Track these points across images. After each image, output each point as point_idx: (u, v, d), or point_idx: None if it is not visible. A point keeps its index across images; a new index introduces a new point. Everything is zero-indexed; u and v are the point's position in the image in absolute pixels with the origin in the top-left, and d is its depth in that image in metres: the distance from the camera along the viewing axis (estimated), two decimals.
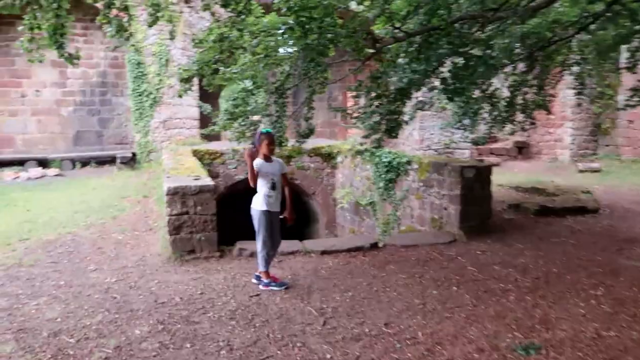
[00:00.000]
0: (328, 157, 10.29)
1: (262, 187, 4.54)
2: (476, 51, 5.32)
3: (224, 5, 4.74)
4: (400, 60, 5.58)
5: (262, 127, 5.97)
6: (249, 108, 6.21)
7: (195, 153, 9.52)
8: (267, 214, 4.52)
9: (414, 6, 4.94)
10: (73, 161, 12.12)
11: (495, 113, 8.88)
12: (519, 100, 8.80)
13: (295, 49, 5.91)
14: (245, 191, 9.51)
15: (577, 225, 6.94)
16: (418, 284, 4.66)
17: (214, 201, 5.23)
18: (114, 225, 6.48)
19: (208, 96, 11.43)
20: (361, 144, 6.73)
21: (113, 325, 3.55)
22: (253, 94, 6.00)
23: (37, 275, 4.63)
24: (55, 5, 3.82)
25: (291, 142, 6.67)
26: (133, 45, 11.15)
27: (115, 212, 7.09)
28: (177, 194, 5.11)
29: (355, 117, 6.02)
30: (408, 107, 6.37)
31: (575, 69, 9.00)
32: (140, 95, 11.56)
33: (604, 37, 8.34)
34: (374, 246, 5.81)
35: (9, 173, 10.69)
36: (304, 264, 5.24)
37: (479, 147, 15.08)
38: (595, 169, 12.59)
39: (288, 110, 6.54)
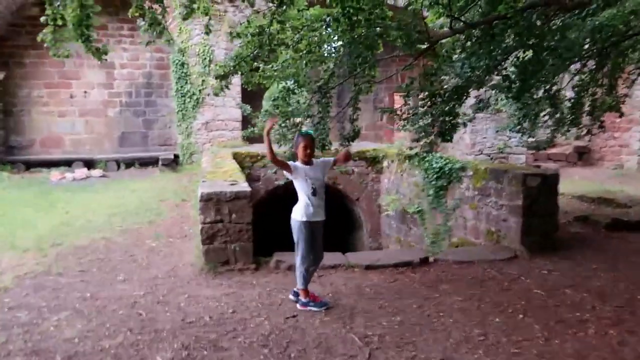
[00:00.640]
0: (373, 161, 9.76)
1: (301, 194, 4.09)
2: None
3: None
4: (457, 56, 5.01)
5: (304, 129, 5.56)
6: (290, 109, 5.81)
7: (236, 156, 9.23)
8: (308, 225, 4.07)
9: None
10: (118, 162, 12.17)
11: (558, 115, 8.13)
12: (587, 101, 8.01)
13: (341, 43, 5.45)
14: (286, 195, 9.15)
15: None
16: (477, 309, 4.07)
17: (250, 208, 4.84)
18: (149, 231, 6.22)
19: (251, 97, 11.18)
20: (410, 148, 6.18)
21: (133, 349, 3.19)
22: (294, 94, 5.58)
23: (63, 286, 4.38)
24: None
25: (335, 145, 6.21)
26: (168, 41, 11.02)
27: (151, 217, 6.86)
28: (211, 201, 4.75)
29: (405, 119, 5.49)
30: (464, 108, 5.78)
31: None
32: (183, 96, 11.44)
33: None
34: (424, 261, 5.25)
35: (55, 174, 10.79)
36: (347, 280, 4.75)
37: (535, 152, 14.15)
38: None
39: (332, 112, 6.10)
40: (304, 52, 5.38)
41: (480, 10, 4.55)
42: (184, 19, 4.39)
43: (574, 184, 10.69)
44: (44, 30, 3.77)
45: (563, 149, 14.86)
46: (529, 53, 4.57)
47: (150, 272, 4.84)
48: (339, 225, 11.66)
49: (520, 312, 3.98)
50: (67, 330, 3.45)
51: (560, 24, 4.83)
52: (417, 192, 8.18)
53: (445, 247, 7.31)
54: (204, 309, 3.94)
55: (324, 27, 5.07)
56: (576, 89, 7.99)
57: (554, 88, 7.79)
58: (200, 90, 11.45)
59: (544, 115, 7.93)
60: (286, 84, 5.67)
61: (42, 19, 3.70)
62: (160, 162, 11.17)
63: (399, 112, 5.57)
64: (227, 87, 5.08)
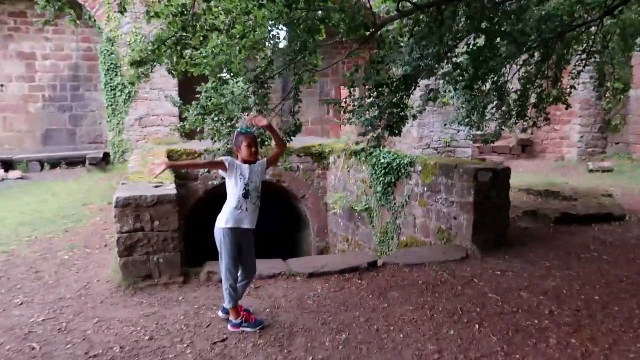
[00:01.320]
0: (319, 157, 9.30)
1: (231, 196, 3.54)
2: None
3: None
4: (405, 42, 4.61)
5: (241, 125, 5.00)
6: (223, 101, 5.23)
7: (171, 154, 8.53)
8: (232, 234, 3.51)
9: None
10: (42, 162, 11.09)
11: (505, 108, 7.98)
12: (533, 93, 7.90)
13: (279, 28, 4.94)
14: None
15: (606, 235, 6.00)
16: (429, 319, 3.69)
17: (176, 214, 4.24)
18: (63, 241, 5.46)
19: (192, 89, 10.43)
20: (357, 143, 5.76)
21: None
22: (227, 84, 5.00)
23: None
24: None
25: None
26: (100, 30, 10.10)
27: (69, 224, 6.07)
28: (128, 206, 4.11)
29: (350, 112, 5.05)
30: (413, 100, 5.41)
31: (592, 59, 8.15)
32: (113, 90, 10.54)
33: (632, 22, 7.42)
34: (373, 266, 4.84)
35: None
36: (287, 291, 4.25)
37: (481, 145, 14.22)
38: (607, 169, 11.70)
39: (273, 104, 5.57)
40: (238, 37, 4.82)
41: None
42: (121, 12, 3.73)
43: (519, 176, 10.69)
44: None
45: (507, 142, 15.04)
46: (481, 39, 4.23)
47: (57, 291, 4.13)
48: (284, 224, 11.16)
49: (476, 322, 3.63)
50: None
51: (515, 7, 4.52)
52: (365, 189, 7.80)
53: (394, 246, 6.98)
54: (116, 336, 3.32)
55: (258, 8, 4.51)
56: (522, 81, 7.86)
57: (502, 80, 7.64)
58: (132, 84, 10.54)
59: (492, 108, 7.76)
60: (216, 72, 5.09)
61: None
62: (87, 162, 10.21)
63: (343, 104, 5.11)
64: (145, 75, 4.44)
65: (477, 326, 3.56)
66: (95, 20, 10.52)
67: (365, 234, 7.96)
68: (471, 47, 4.23)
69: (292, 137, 5.51)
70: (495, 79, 7.35)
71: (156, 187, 4.64)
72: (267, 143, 5.65)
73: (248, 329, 3.46)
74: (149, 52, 4.17)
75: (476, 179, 5.22)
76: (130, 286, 4.15)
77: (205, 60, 4.82)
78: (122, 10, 4.10)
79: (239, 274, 3.60)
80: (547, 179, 10.51)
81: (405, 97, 4.79)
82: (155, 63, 4.36)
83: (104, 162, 10.53)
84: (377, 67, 4.69)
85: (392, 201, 7.02)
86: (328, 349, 3.20)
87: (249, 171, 3.57)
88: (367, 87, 4.91)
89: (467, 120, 7.66)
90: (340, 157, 8.69)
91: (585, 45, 7.74)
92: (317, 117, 14.19)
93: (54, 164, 11.13)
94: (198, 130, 5.50)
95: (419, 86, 4.84)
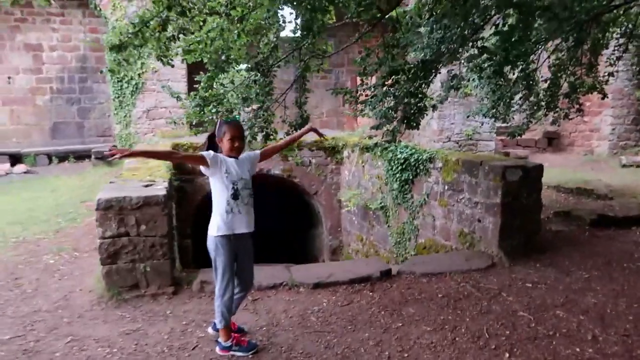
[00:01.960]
0: (332, 151, 8.78)
1: (219, 197, 3.05)
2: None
3: None
4: (424, 23, 4.05)
5: (234, 115, 4.53)
6: (222, 91, 4.76)
7: (176, 147, 8.12)
8: (226, 241, 3.04)
9: None
10: (49, 156, 10.83)
11: (533, 99, 7.34)
12: (564, 82, 7.24)
13: (281, 8, 4.43)
14: None
15: None
16: (450, 344, 3.17)
17: (164, 217, 3.78)
18: (52, 243, 5.08)
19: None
20: (370, 137, 5.22)
21: None
22: (226, 72, 4.52)
23: None
24: None
25: (280, 134, 5.20)
26: (106, 19, 9.71)
27: (62, 223, 5.70)
28: (111, 209, 3.67)
29: (362, 102, 4.52)
30: (433, 88, 4.85)
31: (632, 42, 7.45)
32: (120, 82, 10.16)
33: None
34: (386, 275, 4.32)
35: None
36: (289, 304, 3.77)
37: (504, 138, 13.51)
38: None
39: (279, 94, 5.08)
40: (237, 20, 4.33)
41: None
42: None
43: (547, 172, 9.97)
44: None
45: (532, 135, 14.27)
46: (512, 18, 3.65)
47: (33, 302, 3.73)
48: (296, 220, 10.70)
49: (505, 348, 3.10)
50: None
51: None
52: (380, 185, 7.27)
53: (412, 248, 6.44)
54: None
55: None
56: (553, 68, 7.21)
57: (531, 67, 7.00)
58: (139, 75, 10.18)
59: (520, 98, 7.13)
60: (216, 60, 4.61)
61: None
62: (92, 156, 9.88)
63: (354, 94, 4.58)
64: (127, 62, 3.98)
65: (506, 354, 3.02)
66: (100, 10, 10.13)
67: (381, 233, 7.44)
68: (501, 26, 3.65)
69: (296, 130, 5.02)
70: (524, 65, 6.74)
71: (146, 186, 4.20)
72: (272, 137, 5.18)
73: (239, 354, 2.99)
74: (130, 35, 3.69)
75: (504, 178, 4.64)
76: (113, 297, 3.72)
77: (200, 46, 4.35)
78: None
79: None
80: (576, 174, 9.80)
81: (423, 85, 4.24)
82: (138, 48, 3.87)
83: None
84: (391, 52, 4.15)
85: (409, 200, 6.47)
86: None
87: (235, 166, 3.08)
88: (380, 75, 4.37)
89: (492, 112, 7.06)
90: (354, 152, 8.15)
91: (624, 28, 7.05)
92: (332, 109, 13.63)
93: (62, 157, 10.86)
94: (196, 122, 5.06)
95: (439, 73, 4.28)
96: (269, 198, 10.53)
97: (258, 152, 3.29)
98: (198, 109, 4.89)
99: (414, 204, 6.36)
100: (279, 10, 4.54)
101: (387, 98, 4.44)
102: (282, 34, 5.16)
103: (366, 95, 4.64)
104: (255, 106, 4.84)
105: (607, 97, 6.95)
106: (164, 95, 10.40)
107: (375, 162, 7.36)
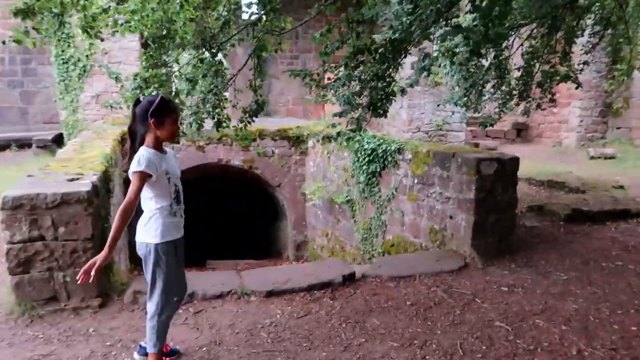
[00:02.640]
0: (297, 141, 8.27)
1: (158, 200, 2.52)
2: None
3: None
4: None
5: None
6: (163, 71, 4.18)
7: (125, 135, 7.44)
8: (172, 249, 2.56)
9: None
10: None
11: (505, 88, 7.02)
12: (538, 71, 6.95)
13: None
14: (195, 183, 7.41)
15: (626, 237, 5.09)
16: None
17: (88, 218, 3.21)
18: None
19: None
20: (334, 125, 4.75)
21: None
22: (166, 48, 3.94)
23: None
24: None
25: (233, 122, 4.67)
26: None
27: None
28: (21, 208, 3.07)
29: (324, 86, 4.02)
30: (402, 72, 4.39)
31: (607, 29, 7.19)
32: (65, 63, 9.30)
33: None
34: (350, 280, 3.87)
35: None
36: (236, 317, 3.28)
37: (474, 129, 13.31)
38: (609, 156, 10.86)
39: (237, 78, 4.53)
40: None
41: None
42: None
43: None
44: None
45: (501, 126, 14.10)
46: None
47: None
48: (259, 214, 10.17)
49: None
50: None
51: None
52: (347, 178, 6.82)
53: (379, 245, 6.03)
54: None
55: None
56: (526, 56, 6.90)
57: (504, 54, 6.66)
58: (87, 56, 9.35)
59: (492, 87, 6.79)
60: (157, 35, 4.02)
61: None
62: (34, 145, 9.06)
63: (315, 77, 4.07)
64: (37, 31, 3.36)
65: None
66: None
67: (347, 229, 7.01)
68: (479, 1, 3.20)
69: (252, 118, 4.50)
70: (497, 51, 6.38)
71: (72, 180, 3.60)
72: (224, 124, 4.64)
73: None
74: None
75: (478, 171, 4.24)
76: (25, 313, 3.14)
77: (136, 17, 3.75)
78: None
79: None
80: (546, 166, 9.61)
81: (392, 67, 3.77)
82: (58, 16, 3.26)
83: (57, 144, 9.37)
84: (356, 29, 3.65)
85: (376, 193, 6.04)
86: None
87: (171, 163, 2.57)
88: (344, 56, 3.88)
89: (463, 100, 6.70)
90: (319, 142, 7.67)
91: (598, 16, 6.78)
92: (298, 97, 13.05)
93: (3, 146, 9.95)
94: None
95: (409, 54, 3.81)
96: (231, 189, 9.97)
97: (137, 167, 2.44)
98: (138, 91, 4.31)
99: (381, 198, 5.94)
100: None
101: (352, 82, 3.95)
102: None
103: (329, 79, 4.15)
104: (202, 89, 4.28)
105: (582, 87, 6.66)
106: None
107: (341, 152, 6.90)
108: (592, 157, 10.93)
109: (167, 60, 4.17)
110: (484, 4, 3.22)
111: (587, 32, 6.82)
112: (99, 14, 3.56)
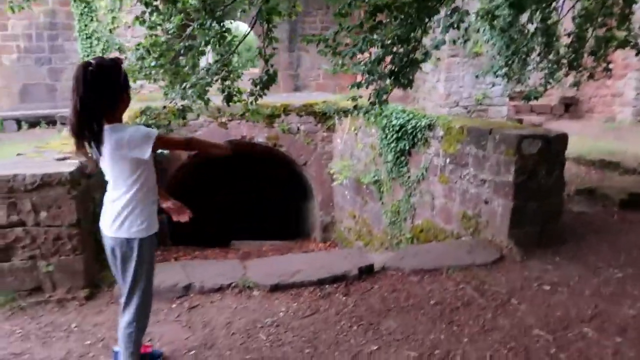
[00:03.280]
0: (323, 116, 7.79)
1: (147, 183, 2.14)
2: None
3: None
4: None
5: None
6: (162, 39, 3.80)
7: (147, 111, 7.23)
8: (155, 241, 2.24)
9: None
10: (19, 121, 9.93)
11: (553, 57, 6.29)
12: (591, 37, 6.18)
13: None
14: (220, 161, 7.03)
15: None
16: None
17: (72, 201, 2.89)
18: None
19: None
20: (354, 98, 4.25)
21: None
22: (160, 13, 3.55)
23: None
24: None
25: (244, 96, 4.25)
26: None
27: None
28: None
29: (339, 53, 3.53)
30: (429, 37, 3.84)
31: None
32: (89, 38, 9.12)
33: None
34: (367, 272, 3.44)
35: None
36: (234, 314, 2.92)
37: (517, 104, 12.44)
38: None
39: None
40: None
41: None
42: None
43: None
44: None
45: (548, 100, 13.08)
46: None
47: None
48: (289, 192, 9.83)
49: None
50: None
51: None
52: (374, 156, 6.32)
53: (407, 230, 5.55)
54: None
55: None
56: (578, 20, 6.13)
57: (552, 17, 5.93)
58: (110, 30, 9.13)
59: (538, 55, 6.07)
60: None
61: None
62: (57, 122, 8.98)
63: (331, 42, 3.58)
64: None
65: None
66: None
67: (374, 211, 6.54)
68: None
69: (263, 91, 4.07)
70: (544, 13, 5.67)
71: (62, 159, 3.30)
72: (235, 99, 4.24)
73: None
74: None
75: (519, 150, 3.68)
76: (6, 304, 2.89)
77: None
78: None
79: None
80: (598, 144, 8.75)
81: (417, 28, 3.23)
82: None
83: None
84: None
85: (405, 174, 5.53)
86: None
87: None
88: (362, 18, 3.37)
89: (504, 70, 6.03)
90: (347, 117, 7.16)
91: None
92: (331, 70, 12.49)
93: (33, 123, 9.97)
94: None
95: (438, 13, 3.25)
96: (258, 167, 9.64)
97: (154, 131, 2.09)
98: (141, 62, 3.96)
99: (410, 179, 5.43)
100: None
101: (372, 47, 3.45)
102: None
103: (347, 45, 3.65)
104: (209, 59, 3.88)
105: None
106: None
107: (369, 129, 6.39)
108: None
109: (168, 27, 3.78)
110: None
111: None
112: None
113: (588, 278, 3.39)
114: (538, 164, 3.74)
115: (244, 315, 2.91)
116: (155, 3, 3.49)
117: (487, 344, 2.60)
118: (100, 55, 9.09)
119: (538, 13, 5.60)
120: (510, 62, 5.85)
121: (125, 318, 2.20)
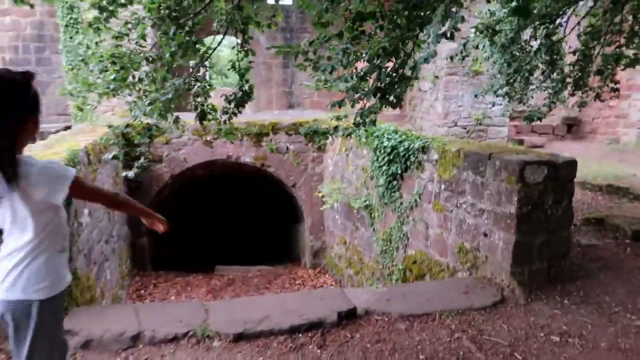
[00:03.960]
0: (314, 135, 7.39)
1: (51, 231, 1.70)
2: None
3: None
4: None
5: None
6: (123, 49, 3.43)
7: (129, 128, 6.86)
8: (61, 301, 1.80)
9: None
10: None
11: (557, 75, 5.93)
12: (597, 54, 5.85)
13: None
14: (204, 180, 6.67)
15: None
16: None
17: None
18: None
19: None
20: (338, 117, 3.85)
21: None
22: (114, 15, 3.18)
23: None
24: None
25: (219, 113, 3.87)
26: None
27: None
28: None
29: (319, 67, 3.13)
30: (420, 52, 3.44)
31: None
32: (71, 52, 8.79)
33: None
34: (347, 317, 2.98)
35: None
36: None
37: (518, 124, 12.09)
38: None
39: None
40: None
41: None
42: None
43: None
44: None
45: (549, 120, 12.74)
46: None
47: None
48: (278, 214, 9.39)
49: None
50: None
51: None
52: (365, 179, 5.90)
53: (399, 261, 5.11)
54: None
55: None
56: (583, 37, 5.79)
57: (556, 34, 5.58)
58: (96, 43, 8.75)
59: (542, 73, 5.71)
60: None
61: None
62: (37, 138, 8.57)
63: (311, 56, 3.18)
64: None
65: None
66: None
67: (365, 238, 6.10)
68: None
69: (238, 109, 3.67)
70: (548, 29, 5.32)
71: None
72: (209, 117, 3.86)
73: None
74: None
75: (522, 178, 3.25)
76: None
77: None
78: None
79: None
80: (602, 167, 8.35)
81: (407, 40, 2.83)
82: None
83: None
84: None
85: (397, 199, 5.10)
86: None
87: None
88: (346, 25, 2.98)
89: (505, 90, 5.67)
90: (338, 137, 6.76)
91: None
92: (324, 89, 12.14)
93: None
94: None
95: (429, 22, 2.86)
96: (246, 187, 9.21)
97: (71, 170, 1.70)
98: (102, 75, 3.60)
99: (402, 206, 4.99)
100: None
101: (357, 61, 3.06)
102: None
103: (329, 59, 3.25)
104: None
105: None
106: None
107: (360, 150, 5.98)
108: None
109: (128, 33, 3.41)
110: None
111: None
112: None
113: (603, 326, 2.94)
114: (544, 193, 3.31)
115: None
116: (110, 8, 3.10)
117: None
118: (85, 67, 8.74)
119: (542, 29, 5.26)
120: (511, 80, 5.49)
121: None
